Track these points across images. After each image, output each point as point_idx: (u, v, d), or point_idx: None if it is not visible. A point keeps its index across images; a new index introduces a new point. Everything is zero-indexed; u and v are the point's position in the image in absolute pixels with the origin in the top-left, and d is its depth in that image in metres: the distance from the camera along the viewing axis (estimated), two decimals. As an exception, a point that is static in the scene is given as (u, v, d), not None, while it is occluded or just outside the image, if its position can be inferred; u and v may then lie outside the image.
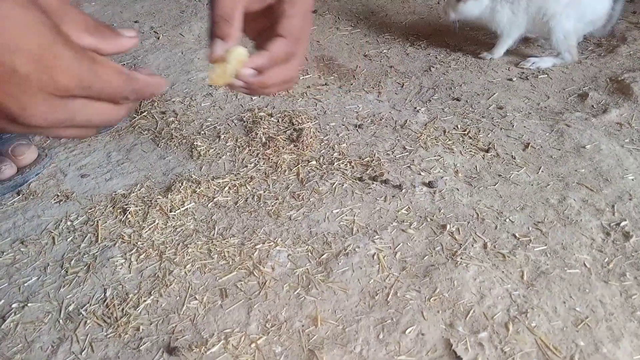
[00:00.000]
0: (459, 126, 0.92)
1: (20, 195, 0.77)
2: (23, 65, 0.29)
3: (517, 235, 0.71)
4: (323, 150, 0.87)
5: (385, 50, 1.18)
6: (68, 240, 0.70)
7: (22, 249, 0.69)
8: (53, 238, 0.70)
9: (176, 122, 0.94)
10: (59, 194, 0.78)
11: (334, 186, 0.80)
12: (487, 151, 0.86)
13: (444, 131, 0.91)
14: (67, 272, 0.66)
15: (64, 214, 0.74)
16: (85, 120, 0.33)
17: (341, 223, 0.73)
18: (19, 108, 0.30)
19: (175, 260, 0.67)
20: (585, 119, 0.91)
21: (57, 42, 0.30)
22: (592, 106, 0.95)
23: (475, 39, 1.21)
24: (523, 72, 1.07)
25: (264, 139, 0.89)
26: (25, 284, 0.64)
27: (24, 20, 0.29)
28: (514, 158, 0.84)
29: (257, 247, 0.69)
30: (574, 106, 0.96)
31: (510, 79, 1.05)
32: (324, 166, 0.84)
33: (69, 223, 0.73)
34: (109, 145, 0.89)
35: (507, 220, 0.73)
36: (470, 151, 0.86)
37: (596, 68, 1.06)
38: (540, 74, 1.06)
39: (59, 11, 0.33)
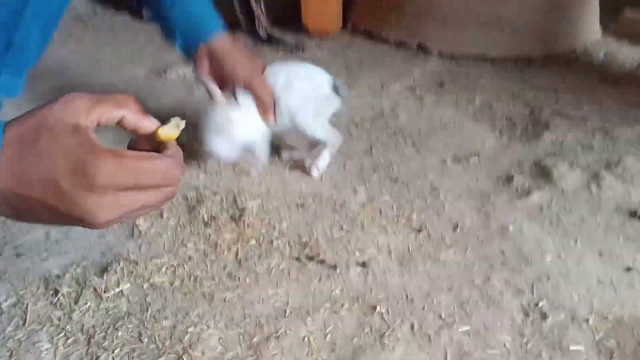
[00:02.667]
0: (394, 207, 0.97)
1: (-50, 276, 0.76)
2: (65, 176, 0.40)
3: (442, 316, 0.74)
4: (264, 230, 0.90)
5: (330, 131, 1.24)
6: (-6, 324, 0.69)
7: (-57, 334, 0.67)
8: (-22, 322, 0.69)
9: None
10: (-10, 274, 0.77)
11: (271, 266, 0.82)
12: (419, 231, 0.91)
13: (380, 211, 0.96)
14: (-12, 358, 0.64)
15: (-6, 295, 0.73)
16: (143, 205, 0.44)
17: (275, 304, 0.75)
18: (84, 214, 0.41)
19: (103, 345, 0.67)
20: (510, 201, 0.98)
21: (91, 155, 0.40)
22: (517, 189, 1.02)
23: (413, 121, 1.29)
24: (456, 155, 1.14)
25: (206, 218, 0.91)
26: (-58, 373, 0.62)
27: (64, 147, 0.41)
28: (444, 239, 0.89)
29: (189, 329, 0.70)
30: (500, 188, 1.03)
31: (445, 161, 1.12)
32: (263, 245, 0.86)
33: (-3, 305, 0.72)
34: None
35: (435, 300, 0.76)
36: (404, 231, 0.91)
37: (522, 152, 1.15)
38: (471, 157, 1.13)
39: (91, 98, 0.44)
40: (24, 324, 0.69)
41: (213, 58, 0.95)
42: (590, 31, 1.76)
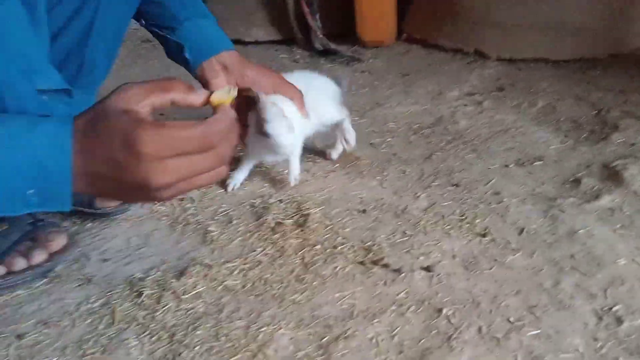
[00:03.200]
0: (457, 212, 0.97)
1: (47, 279, 0.84)
2: (119, 151, 0.47)
3: (511, 319, 0.73)
4: (327, 235, 0.93)
5: (389, 139, 1.26)
6: (87, 322, 0.75)
7: (44, 331, 0.74)
8: (73, 320, 0.76)
9: (192, 208, 1.01)
10: (81, 277, 0.84)
11: (336, 270, 0.84)
12: (483, 236, 0.90)
13: (443, 216, 0.96)
14: (84, 353, 0.70)
15: (85, 296, 0.80)
16: (192, 170, 0.50)
17: (342, 307, 0.77)
18: (141, 181, 0.48)
19: (184, 343, 0.71)
20: (578, 204, 0.96)
21: (135, 129, 0.47)
22: (585, 192, 0.99)
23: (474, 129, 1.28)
24: (519, 159, 1.13)
25: (272, 224, 0.95)
26: (45, 365, 0.68)
27: (116, 127, 0.48)
28: (510, 243, 0.88)
29: (262, 330, 0.73)
30: (567, 192, 1.00)
31: (507, 165, 1.11)
32: (328, 250, 0.89)
33: (88, 306, 0.78)
34: (130, 231, 0.96)
35: (502, 304, 0.76)
36: (468, 236, 0.91)
37: (590, 155, 1.12)
38: (535, 161, 1.12)
39: (142, 86, 0.51)
40: (112, 323, 0.75)
41: (230, 71, 0.97)
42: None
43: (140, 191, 0.49)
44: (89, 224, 0.98)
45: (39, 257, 0.83)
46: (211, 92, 0.55)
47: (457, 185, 1.06)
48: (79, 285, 0.82)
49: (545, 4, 1.59)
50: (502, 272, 0.82)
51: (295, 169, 1.05)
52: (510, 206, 0.98)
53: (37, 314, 0.77)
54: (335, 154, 1.17)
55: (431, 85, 1.52)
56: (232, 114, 0.54)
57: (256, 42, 1.96)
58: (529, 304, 0.76)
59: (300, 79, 1.06)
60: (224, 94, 0.55)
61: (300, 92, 1.01)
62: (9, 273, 0.81)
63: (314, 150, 1.18)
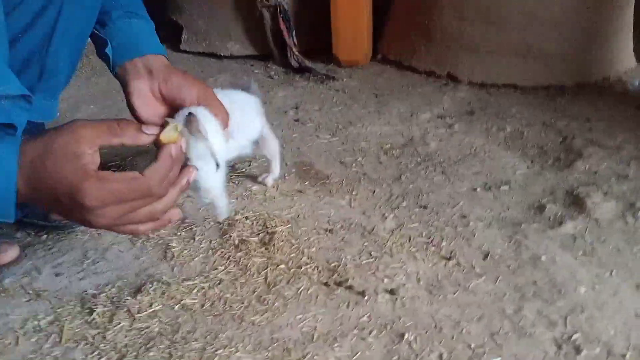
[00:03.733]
0: (423, 234, 0.97)
1: (-7, 293, 0.79)
2: (63, 196, 0.53)
3: (472, 346, 0.73)
4: (293, 254, 0.91)
5: (360, 158, 1.26)
6: (32, 340, 0.71)
7: (-15, 349, 0.70)
8: (17, 338, 0.72)
9: (154, 222, 0.98)
10: (30, 291, 0.80)
11: (299, 291, 0.82)
12: (449, 259, 0.90)
13: (409, 238, 0.96)
14: (26, 374, 0.66)
15: (32, 312, 0.76)
16: (134, 215, 0.56)
17: (303, 329, 0.75)
18: (80, 220, 0.55)
19: (135, 364, 0.68)
20: (542, 230, 0.97)
21: (81, 181, 0.52)
22: (549, 218, 1.00)
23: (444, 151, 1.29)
24: (486, 183, 1.14)
25: (236, 241, 0.93)
26: (-17, 386, 0.64)
27: (63, 172, 0.53)
28: (474, 267, 0.88)
29: (218, 352, 0.71)
30: (532, 217, 1.01)
31: (475, 189, 1.12)
32: (292, 270, 0.87)
33: (35, 322, 0.74)
34: (87, 244, 0.92)
35: (464, 330, 0.75)
36: (433, 259, 0.90)
37: (554, 181, 1.13)
38: (502, 185, 1.12)
39: (94, 128, 0.55)
40: (60, 341, 0.71)
41: (154, 75, 0.82)
42: (623, 59, 1.74)
43: (81, 223, 0.57)
44: (44, 236, 0.94)
45: (-14, 269, 0.79)
46: (160, 130, 0.59)
47: (424, 207, 1.06)
48: (27, 300, 0.78)
49: (516, 31, 1.62)
50: (465, 297, 0.81)
51: (223, 206, 0.82)
52: (476, 230, 0.98)
53: (-21, 331, 0.72)
54: (271, 179, 1.11)
55: (404, 106, 1.53)
56: (175, 154, 0.58)
57: (231, 57, 1.94)
58: (491, 331, 0.75)
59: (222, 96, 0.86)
60: (172, 132, 0.59)
61: (224, 108, 0.84)
62: (-48, 286, 0.76)
63: (285, 167, 1.17)
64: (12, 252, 0.84)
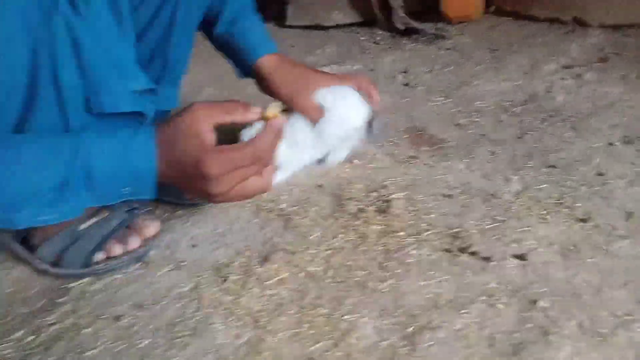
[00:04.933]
0: (554, 195, 0.90)
1: (141, 263, 0.88)
2: (190, 167, 0.63)
3: (618, 313, 0.66)
4: (411, 222, 0.89)
5: (477, 119, 1.19)
6: (177, 306, 0.79)
7: (138, 313, 0.78)
8: (165, 304, 0.79)
9: (274, 194, 1.02)
10: (172, 262, 0.88)
11: (421, 258, 0.81)
12: (585, 221, 0.83)
13: (538, 201, 0.89)
14: (175, 335, 0.73)
15: (175, 281, 0.84)
16: (242, 189, 0.67)
17: (427, 296, 0.74)
18: (204, 191, 0.65)
19: (268, 328, 0.72)
20: (700, 185, 0.85)
21: (203, 154, 0.62)
22: None
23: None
24: (626, 136, 1.02)
25: (354, 210, 0.93)
26: (139, 346, 0.72)
27: (189, 148, 0.63)
28: (616, 229, 0.80)
29: (344, 317, 0.72)
30: (686, 171, 0.89)
31: (612, 144, 1.01)
32: (412, 237, 0.86)
33: (178, 290, 0.82)
34: (216, 217, 0.98)
35: (607, 296, 0.69)
36: (567, 222, 0.83)
37: None
38: (646, 137, 1.00)
39: (210, 109, 0.65)
40: (201, 306, 0.78)
41: (261, 77, 0.91)
42: None
43: (202, 195, 0.67)
44: (180, 212, 1.02)
45: (134, 243, 0.88)
46: (264, 108, 0.70)
47: (554, 166, 0.98)
48: (170, 270, 0.86)
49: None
50: (607, 261, 0.74)
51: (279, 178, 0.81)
52: (615, 189, 0.88)
53: (132, 297, 0.81)
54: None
55: (524, 59, 1.42)
56: (279, 126, 0.68)
57: (337, 26, 1.93)
58: (639, 297, 0.68)
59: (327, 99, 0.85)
60: (276, 109, 0.72)
61: (315, 110, 0.84)
62: (108, 258, 0.86)
63: (397, 133, 1.14)
64: (154, 227, 0.92)
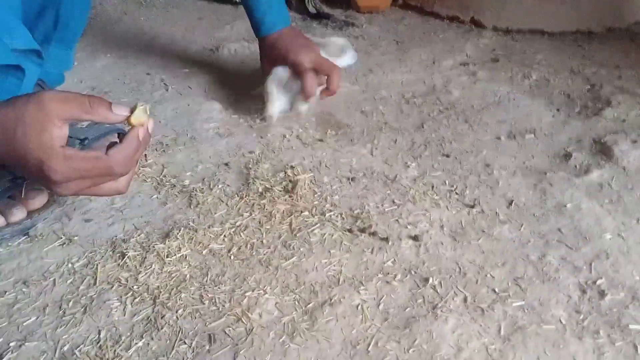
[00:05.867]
0: (446, 182, 0.97)
1: (27, 237, 0.82)
2: (31, 166, 0.58)
3: (496, 290, 0.74)
4: (316, 202, 0.92)
5: (380, 107, 1.24)
6: (68, 282, 0.74)
7: (23, 290, 0.72)
8: (54, 280, 0.74)
9: (178, 170, 0.99)
10: (62, 237, 0.82)
11: (324, 237, 0.83)
12: (472, 207, 0.90)
13: (432, 186, 0.95)
14: (64, 313, 0.69)
15: (66, 256, 0.78)
16: (93, 191, 0.65)
17: (329, 273, 0.77)
18: (46, 187, 0.64)
19: (168, 305, 0.70)
20: (567, 178, 0.96)
21: (48, 157, 0.57)
22: (575, 167, 0.99)
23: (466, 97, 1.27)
24: (511, 131, 1.12)
25: (260, 189, 0.94)
26: (24, 324, 0.67)
27: (32, 145, 0.57)
28: (498, 214, 0.88)
29: (247, 294, 0.73)
30: (557, 166, 1.00)
31: (499, 138, 1.10)
32: (316, 217, 0.88)
33: (69, 265, 0.77)
34: (114, 191, 0.93)
35: (488, 275, 0.76)
36: (456, 207, 0.90)
37: (581, 130, 1.11)
38: (527, 134, 1.11)
39: (64, 103, 0.58)
40: (94, 283, 0.74)
41: (275, 47, 1.11)
42: (657, 3, 1.67)
43: (44, 186, 0.67)
44: (72, 183, 0.95)
45: (18, 214, 0.81)
46: (131, 111, 0.63)
47: (447, 155, 1.05)
48: (60, 245, 0.81)
49: (545, -26, 1.56)
50: (489, 244, 0.82)
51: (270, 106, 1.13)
52: (500, 178, 0.97)
53: (16, 273, 0.75)
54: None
55: (425, 53, 1.49)
56: (143, 137, 0.64)
57: (247, 3, 1.89)
58: (515, 276, 0.76)
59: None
60: (142, 115, 0.63)
61: (339, 71, 1.12)
62: (-13, 230, 0.79)
63: (305, 116, 1.16)
64: (41, 198, 0.85)
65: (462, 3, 1.68)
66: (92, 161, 0.60)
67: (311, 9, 1.76)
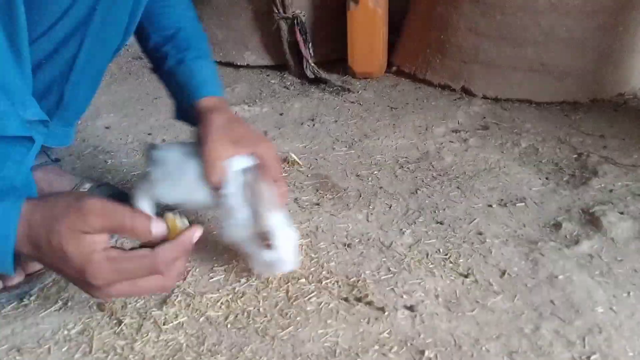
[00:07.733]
0: (441, 250, 0.98)
1: (22, 302, 0.81)
2: (71, 271, 0.58)
3: (491, 364, 0.74)
4: (312, 268, 0.93)
5: (376, 172, 1.27)
6: (63, 350, 0.73)
7: (17, 358, 0.72)
8: (49, 347, 0.74)
9: (177, 234, 1.00)
10: (59, 301, 0.82)
11: (320, 306, 0.84)
12: (466, 276, 0.92)
13: (427, 254, 0.97)
14: (58, 383, 0.68)
15: (62, 322, 0.78)
16: (135, 290, 0.62)
17: (325, 344, 0.77)
18: (85, 291, 0.62)
19: (163, 376, 0.70)
20: (558, 249, 0.98)
21: (89, 263, 0.56)
22: (565, 237, 1.02)
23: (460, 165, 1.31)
24: (502, 199, 1.15)
25: (257, 255, 0.94)
26: (18, 395, 0.66)
27: (69, 253, 0.56)
28: (492, 285, 0.89)
29: (243, 365, 0.72)
30: (548, 235, 1.03)
31: (490, 205, 1.13)
32: (313, 284, 0.89)
33: (65, 332, 0.76)
34: (112, 254, 0.94)
35: (483, 348, 0.77)
36: (451, 276, 0.92)
37: (570, 199, 1.15)
38: (518, 202, 1.14)
39: (104, 216, 0.57)
40: (90, 351, 0.73)
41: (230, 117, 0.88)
42: (638, 76, 1.75)
43: (84, 290, 0.62)
44: (70, 245, 0.96)
45: (15, 278, 0.81)
46: (167, 224, 0.63)
47: (441, 223, 1.07)
48: (56, 310, 0.80)
49: (531, 47, 1.64)
50: (483, 315, 0.83)
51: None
52: (492, 247, 0.99)
53: (10, 340, 0.75)
54: None
55: (418, 119, 1.55)
56: (188, 243, 0.64)
57: (248, 66, 1.97)
58: (510, 349, 0.76)
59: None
60: (180, 224, 0.65)
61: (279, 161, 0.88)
62: (-16, 295, 0.78)
63: (306, 182, 1.19)
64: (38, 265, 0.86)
65: (454, 72, 1.75)
66: (136, 260, 0.59)
67: (309, 74, 1.83)
